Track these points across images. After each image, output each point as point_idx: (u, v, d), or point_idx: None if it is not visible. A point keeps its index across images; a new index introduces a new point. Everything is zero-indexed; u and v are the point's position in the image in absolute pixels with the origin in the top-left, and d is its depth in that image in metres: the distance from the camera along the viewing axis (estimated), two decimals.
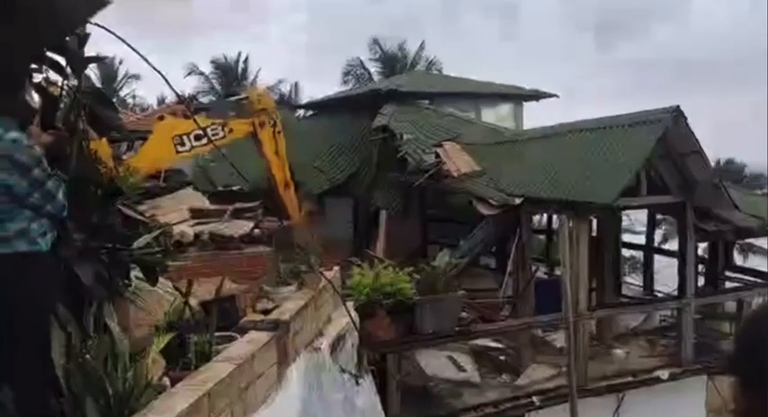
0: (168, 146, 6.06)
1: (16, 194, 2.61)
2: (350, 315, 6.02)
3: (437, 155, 10.55)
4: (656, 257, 11.88)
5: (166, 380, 3.37)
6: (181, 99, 7.36)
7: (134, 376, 2.79)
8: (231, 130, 6.42)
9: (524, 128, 13.81)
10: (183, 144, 6.15)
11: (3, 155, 2.57)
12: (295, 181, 7.14)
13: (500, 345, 9.20)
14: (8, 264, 2.58)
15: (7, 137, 2.60)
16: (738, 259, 13.52)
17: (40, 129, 2.97)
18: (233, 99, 7.31)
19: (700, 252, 10.48)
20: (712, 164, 10.11)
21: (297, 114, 20.23)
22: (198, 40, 48.52)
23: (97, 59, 4.04)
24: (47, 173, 2.67)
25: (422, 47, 25.78)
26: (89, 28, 3.47)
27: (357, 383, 5.95)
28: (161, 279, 4.37)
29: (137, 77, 26.23)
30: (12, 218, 2.61)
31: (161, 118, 6.45)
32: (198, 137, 6.18)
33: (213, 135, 6.22)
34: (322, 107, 16.94)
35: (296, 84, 27.53)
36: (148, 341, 3.66)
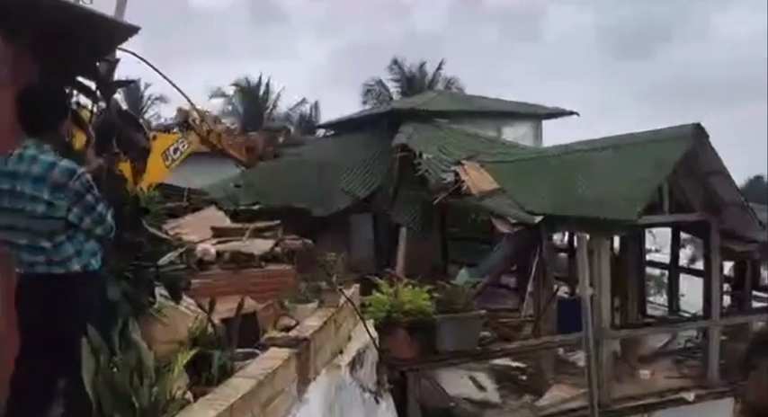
0: (160, 163, 7.99)
1: (70, 221, 2.76)
2: (369, 333, 6.02)
3: (456, 174, 10.58)
4: (687, 276, 11.62)
5: (189, 395, 3.41)
6: (199, 113, 9.13)
7: (159, 391, 2.84)
8: (191, 142, 9.04)
9: (544, 145, 13.77)
10: (167, 158, 8.37)
11: (58, 183, 2.71)
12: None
13: (521, 365, 9.09)
14: (65, 284, 2.76)
15: (62, 165, 2.74)
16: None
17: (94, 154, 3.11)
18: (170, 124, 9.51)
19: (726, 271, 10.26)
20: (741, 182, 9.99)
21: (317, 134, 20.43)
22: (219, 61, 49.34)
23: (125, 83, 4.20)
24: (96, 198, 2.79)
25: (441, 66, 26.02)
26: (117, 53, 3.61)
27: (377, 402, 5.93)
28: (184, 297, 4.45)
29: (163, 100, 26.65)
30: (67, 242, 2.77)
31: (154, 137, 8.00)
32: (175, 151, 8.54)
33: (182, 146, 8.75)
34: (342, 126, 17.10)
35: (316, 104, 27.88)
36: (172, 357, 3.72)
